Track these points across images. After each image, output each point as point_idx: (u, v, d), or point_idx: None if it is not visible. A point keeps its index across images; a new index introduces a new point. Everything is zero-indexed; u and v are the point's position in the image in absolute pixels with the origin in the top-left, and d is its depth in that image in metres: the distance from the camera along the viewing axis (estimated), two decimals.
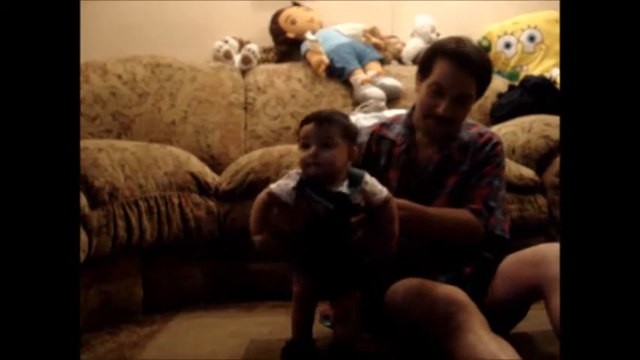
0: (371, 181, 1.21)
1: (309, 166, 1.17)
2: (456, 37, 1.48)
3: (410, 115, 1.51)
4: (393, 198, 1.22)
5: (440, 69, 1.39)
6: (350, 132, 1.22)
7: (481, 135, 1.47)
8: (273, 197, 1.18)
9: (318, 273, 1.22)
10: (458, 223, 1.39)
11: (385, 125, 1.53)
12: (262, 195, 1.20)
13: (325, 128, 1.18)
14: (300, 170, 1.21)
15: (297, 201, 1.17)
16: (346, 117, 1.27)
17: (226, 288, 1.92)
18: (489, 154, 1.45)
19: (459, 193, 1.43)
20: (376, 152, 1.49)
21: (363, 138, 1.50)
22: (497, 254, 1.42)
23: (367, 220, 1.21)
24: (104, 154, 1.72)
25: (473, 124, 1.52)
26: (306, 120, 1.22)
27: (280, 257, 1.28)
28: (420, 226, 1.35)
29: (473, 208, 1.41)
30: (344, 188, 1.18)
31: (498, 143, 1.48)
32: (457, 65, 1.37)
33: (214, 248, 1.91)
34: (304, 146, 1.19)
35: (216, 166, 2.28)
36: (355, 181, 1.19)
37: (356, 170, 1.22)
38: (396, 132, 1.50)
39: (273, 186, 1.19)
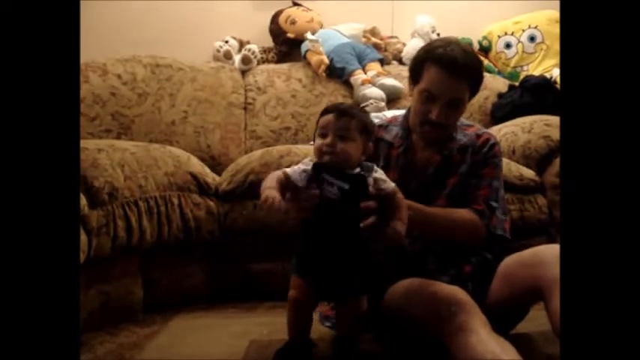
0: (380, 170, 1.23)
1: (324, 154, 1.19)
2: (443, 39, 1.48)
3: (406, 117, 1.51)
4: (399, 190, 1.24)
5: (429, 76, 1.38)
6: (367, 128, 1.24)
7: (479, 136, 1.48)
8: (286, 177, 1.18)
9: (322, 272, 1.21)
10: (461, 223, 1.40)
11: (382, 127, 1.53)
12: (278, 172, 1.20)
13: (343, 120, 1.20)
14: (311, 158, 1.22)
15: (309, 185, 1.18)
16: (365, 113, 1.29)
17: (226, 288, 1.92)
18: (487, 155, 1.46)
19: (458, 193, 1.44)
20: (374, 154, 1.49)
21: None
22: (497, 254, 1.42)
23: (378, 209, 1.21)
24: (104, 155, 1.72)
25: (469, 124, 1.53)
26: (326, 111, 1.24)
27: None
28: (424, 226, 1.35)
29: (475, 208, 1.41)
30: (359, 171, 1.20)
31: (496, 144, 1.48)
32: (446, 71, 1.36)
33: (214, 248, 1.91)
34: (321, 136, 1.21)
35: (216, 166, 2.28)
36: (366, 170, 1.21)
37: (366, 162, 1.24)
38: (393, 134, 1.50)
39: (287, 169, 1.20)
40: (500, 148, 1.50)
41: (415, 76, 1.43)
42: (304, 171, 1.18)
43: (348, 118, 1.20)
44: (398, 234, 1.17)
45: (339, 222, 1.18)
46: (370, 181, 1.20)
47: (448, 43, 1.41)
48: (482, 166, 1.45)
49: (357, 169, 1.21)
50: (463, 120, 1.52)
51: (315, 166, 1.19)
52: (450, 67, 1.35)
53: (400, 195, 1.24)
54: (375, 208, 1.21)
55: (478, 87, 1.44)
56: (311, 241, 1.22)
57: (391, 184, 1.23)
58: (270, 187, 1.13)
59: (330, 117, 1.21)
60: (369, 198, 1.20)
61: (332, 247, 1.19)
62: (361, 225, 1.19)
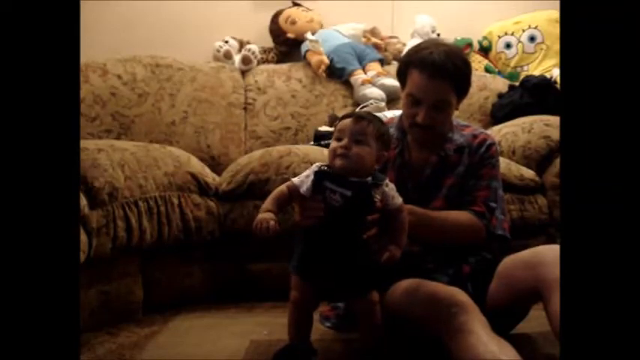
0: (391, 185, 1.24)
1: (338, 157, 1.20)
2: (427, 42, 1.48)
3: (401, 119, 1.52)
4: (405, 207, 1.24)
5: (412, 80, 1.40)
6: (383, 137, 1.25)
7: (475, 136, 1.48)
8: (292, 188, 1.20)
9: (324, 275, 1.21)
10: (462, 225, 1.40)
11: None
12: (282, 186, 1.22)
13: (361, 125, 1.22)
14: (320, 164, 1.23)
15: (314, 194, 1.19)
16: (383, 123, 1.29)
17: (226, 288, 1.92)
18: (484, 155, 1.46)
19: (455, 194, 1.44)
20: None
21: None
22: (496, 254, 1.43)
23: (381, 222, 1.22)
24: (104, 155, 1.72)
25: (466, 125, 1.53)
26: (345, 116, 1.26)
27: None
28: (425, 230, 1.36)
29: (475, 210, 1.41)
30: (364, 179, 1.20)
31: (493, 144, 1.48)
32: (427, 74, 1.36)
33: (214, 248, 1.91)
34: (337, 139, 1.22)
35: (217, 166, 2.28)
36: (378, 180, 1.21)
37: (378, 173, 1.25)
38: None
39: (294, 179, 1.22)
40: (497, 149, 1.50)
41: (401, 80, 1.46)
42: (312, 181, 1.20)
43: (366, 123, 1.22)
44: (391, 259, 1.19)
45: (342, 229, 1.19)
46: (378, 192, 1.20)
47: (430, 45, 1.42)
48: (480, 167, 1.45)
49: (369, 178, 1.21)
50: (460, 121, 1.53)
51: (317, 174, 1.20)
52: (430, 70, 1.36)
53: (405, 215, 1.24)
54: (378, 220, 1.22)
55: (465, 87, 1.43)
56: (313, 246, 1.22)
57: (398, 201, 1.23)
58: (264, 210, 1.17)
59: (347, 121, 1.23)
60: (372, 205, 1.20)
61: (334, 252, 1.20)
62: (364, 236, 1.20)
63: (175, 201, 1.83)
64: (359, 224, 1.20)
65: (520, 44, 2.92)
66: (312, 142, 2.34)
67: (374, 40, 2.79)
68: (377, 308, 1.26)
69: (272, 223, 1.13)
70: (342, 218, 1.18)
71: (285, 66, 2.76)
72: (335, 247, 1.20)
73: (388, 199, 1.21)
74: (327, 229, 1.19)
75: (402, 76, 1.45)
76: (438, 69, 1.36)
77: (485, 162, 1.46)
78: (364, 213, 1.20)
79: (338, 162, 1.20)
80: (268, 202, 1.20)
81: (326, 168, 1.21)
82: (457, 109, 1.45)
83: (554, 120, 2.21)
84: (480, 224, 1.41)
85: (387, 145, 1.28)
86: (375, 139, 1.22)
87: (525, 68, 2.92)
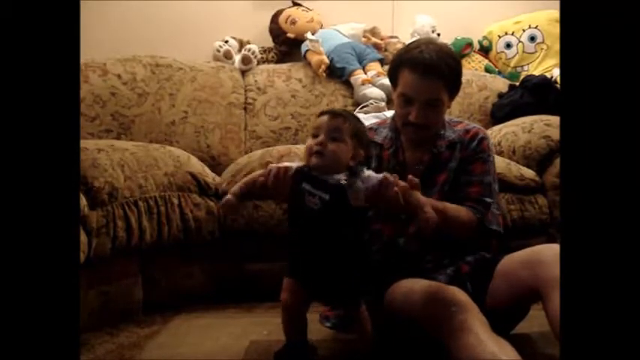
0: (368, 171, 1.21)
1: (313, 154, 1.20)
2: (417, 41, 1.49)
3: (394, 119, 1.52)
4: (393, 177, 1.18)
5: (403, 79, 1.40)
6: (359, 134, 1.25)
7: (467, 131, 1.49)
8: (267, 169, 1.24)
9: (311, 275, 1.22)
10: (459, 217, 1.40)
11: (373, 129, 1.55)
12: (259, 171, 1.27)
13: (337, 122, 1.22)
14: (299, 164, 1.23)
15: (291, 191, 1.21)
16: (360, 121, 1.30)
17: (226, 288, 1.92)
18: (476, 149, 1.46)
19: (449, 190, 1.44)
20: (367, 156, 1.50)
21: None
22: (495, 254, 1.43)
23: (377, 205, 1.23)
24: (104, 155, 1.72)
25: (459, 121, 1.54)
26: (321, 113, 1.27)
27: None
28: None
29: (470, 205, 1.41)
30: (342, 178, 1.19)
31: (485, 138, 1.48)
32: (419, 73, 1.37)
33: (214, 248, 1.91)
34: (313, 136, 1.23)
35: (216, 166, 2.28)
36: (353, 171, 1.20)
37: (352, 167, 1.23)
38: (383, 135, 1.52)
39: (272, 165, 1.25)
40: (489, 143, 1.50)
41: (393, 80, 1.46)
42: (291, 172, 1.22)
43: (342, 120, 1.23)
44: (428, 221, 1.15)
45: (323, 230, 1.20)
46: (358, 181, 1.17)
47: (420, 44, 1.42)
48: (471, 162, 1.45)
49: (342, 175, 1.20)
50: (453, 117, 1.54)
51: (297, 172, 1.21)
52: (421, 69, 1.37)
53: (393, 181, 1.16)
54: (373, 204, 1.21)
55: (456, 85, 1.44)
56: (298, 247, 1.24)
57: (377, 177, 1.17)
58: (232, 192, 1.25)
59: (324, 118, 1.24)
60: (349, 207, 1.18)
61: (317, 253, 1.21)
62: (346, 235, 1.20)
63: (175, 201, 1.83)
64: (338, 224, 1.19)
65: (520, 44, 2.92)
66: None
67: (374, 40, 2.79)
68: (365, 315, 1.26)
69: (227, 198, 1.24)
70: (322, 221, 1.19)
71: (285, 66, 2.76)
72: (318, 248, 1.20)
73: (371, 181, 1.17)
74: (309, 231, 1.21)
75: (393, 76, 1.45)
76: (429, 67, 1.36)
77: (476, 156, 1.45)
78: (343, 215, 1.19)
79: (313, 160, 1.21)
80: (239, 186, 1.27)
81: (307, 169, 1.22)
82: (449, 107, 1.46)
83: (555, 120, 2.21)
84: (474, 219, 1.41)
85: (362, 143, 1.27)
86: (350, 136, 1.22)
87: (525, 68, 2.92)
